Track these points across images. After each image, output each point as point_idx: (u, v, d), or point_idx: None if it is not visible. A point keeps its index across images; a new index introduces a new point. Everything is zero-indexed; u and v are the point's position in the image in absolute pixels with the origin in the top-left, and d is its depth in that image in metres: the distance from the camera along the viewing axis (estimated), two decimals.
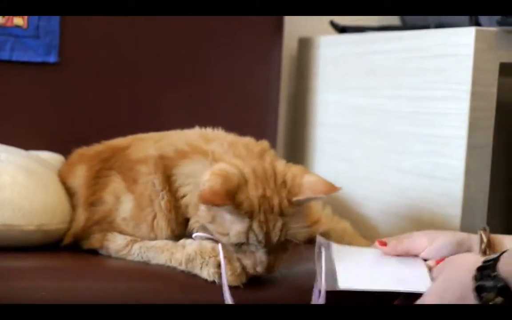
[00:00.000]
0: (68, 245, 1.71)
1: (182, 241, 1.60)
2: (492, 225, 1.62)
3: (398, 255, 1.57)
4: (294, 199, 1.54)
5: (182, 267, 1.56)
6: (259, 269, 1.52)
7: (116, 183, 1.69)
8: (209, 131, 1.73)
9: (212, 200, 1.47)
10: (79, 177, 1.75)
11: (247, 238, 1.50)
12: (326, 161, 2.24)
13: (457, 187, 1.78)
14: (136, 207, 1.66)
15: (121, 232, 1.67)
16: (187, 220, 1.62)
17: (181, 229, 1.64)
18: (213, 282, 1.52)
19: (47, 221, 1.68)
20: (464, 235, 1.55)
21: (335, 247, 1.63)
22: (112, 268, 1.64)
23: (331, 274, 1.50)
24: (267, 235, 1.51)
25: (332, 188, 1.57)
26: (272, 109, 2.23)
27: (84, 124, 1.99)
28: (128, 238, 1.66)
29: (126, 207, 1.67)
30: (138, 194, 1.66)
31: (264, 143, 1.67)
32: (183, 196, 1.61)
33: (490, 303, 1.26)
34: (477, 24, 1.93)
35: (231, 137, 1.68)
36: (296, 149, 2.33)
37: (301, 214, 1.59)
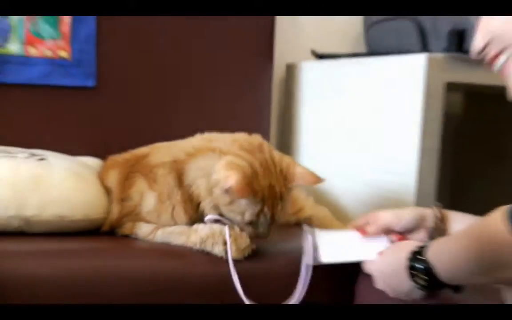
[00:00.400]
0: (106, 231, 1.68)
1: (195, 226, 1.58)
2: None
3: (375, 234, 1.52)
4: (289, 185, 1.56)
5: (197, 247, 1.54)
6: (263, 237, 1.55)
7: (140, 183, 1.66)
8: (208, 134, 1.70)
9: (242, 195, 1.47)
10: (112, 179, 1.72)
11: (258, 218, 1.51)
12: (308, 161, 2.20)
13: (411, 181, 1.77)
14: (158, 202, 1.63)
15: (146, 221, 1.64)
16: (198, 205, 1.59)
17: (194, 214, 1.60)
18: (222, 257, 1.50)
19: (90, 212, 1.65)
20: (421, 210, 1.52)
21: (318, 232, 1.59)
22: (140, 249, 1.61)
23: (315, 252, 1.51)
24: (272, 215, 1.52)
25: (318, 179, 1.60)
26: (265, 120, 2.21)
27: (116, 134, 1.97)
28: (152, 226, 1.63)
29: (149, 202, 1.64)
30: (158, 192, 1.63)
31: (259, 137, 1.65)
32: (194, 186, 1.58)
33: (417, 280, 1.24)
34: (428, 50, 1.95)
35: (229, 135, 1.65)
36: (284, 152, 2.27)
37: (290, 198, 1.60)
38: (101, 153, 1.87)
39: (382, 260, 1.38)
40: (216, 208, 1.55)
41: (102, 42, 2.03)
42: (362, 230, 1.55)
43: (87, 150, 1.91)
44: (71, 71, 2.01)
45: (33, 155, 1.72)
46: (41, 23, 1.97)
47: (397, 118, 1.84)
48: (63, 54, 2.00)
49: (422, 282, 1.25)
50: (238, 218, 1.53)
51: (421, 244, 1.28)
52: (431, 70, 1.74)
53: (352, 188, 1.95)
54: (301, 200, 1.92)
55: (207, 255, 1.52)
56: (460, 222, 1.48)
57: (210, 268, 1.51)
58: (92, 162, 1.87)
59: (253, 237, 1.54)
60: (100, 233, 1.67)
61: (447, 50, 1.81)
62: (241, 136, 1.64)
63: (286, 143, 2.36)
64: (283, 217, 1.59)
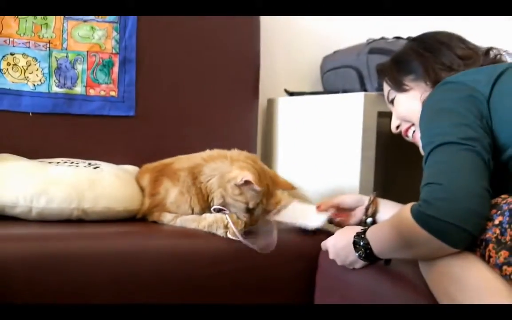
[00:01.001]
0: (140, 218, 1.63)
1: (204, 215, 1.53)
2: None
3: (325, 210, 1.58)
4: (276, 189, 1.57)
5: (206, 230, 1.49)
6: (254, 223, 1.53)
7: (166, 183, 1.60)
8: (219, 150, 1.64)
9: (258, 185, 1.45)
10: (145, 180, 1.66)
11: (257, 206, 1.50)
12: (285, 171, 2.15)
13: (356, 181, 1.72)
14: (179, 194, 1.56)
15: (169, 211, 1.58)
16: (208, 198, 1.55)
17: (205, 204, 1.55)
18: (223, 236, 1.47)
19: (129, 204, 1.60)
20: (363, 196, 1.56)
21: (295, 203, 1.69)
22: (165, 231, 1.55)
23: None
24: (265, 205, 1.52)
25: (292, 187, 1.63)
26: (252, 142, 2.15)
27: (149, 149, 1.90)
28: (174, 215, 1.57)
29: (172, 195, 1.58)
30: (179, 187, 1.57)
31: (254, 154, 1.66)
32: (209, 182, 1.54)
33: (359, 253, 1.23)
34: (365, 89, 1.92)
35: (236, 151, 1.62)
36: (268, 160, 2.29)
37: (274, 196, 1.61)
38: (138, 162, 1.82)
39: (335, 237, 1.35)
40: (222, 198, 1.51)
41: (139, 85, 1.99)
42: (318, 206, 1.59)
43: (128, 160, 1.86)
44: (118, 105, 1.96)
45: (90, 164, 1.68)
46: (98, 72, 1.95)
47: (345, 137, 1.79)
48: (113, 93, 1.96)
49: (362, 254, 1.22)
50: (242, 206, 1.49)
51: (364, 228, 1.25)
52: (367, 103, 1.71)
53: (316, 188, 1.89)
54: (279, 194, 1.84)
55: (213, 236, 1.47)
56: (385, 205, 1.52)
57: (216, 244, 1.46)
58: (131, 168, 1.81)
59: (248, 222, 1.50)
60: (135, 220, 1.62)
61: (378, 89, 1.76)
62: (243, 152, 1.61)
63: (268, 159, 2.28)
64: (270, 207, 1.59)
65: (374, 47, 2.04)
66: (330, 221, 1.57)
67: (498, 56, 1.34)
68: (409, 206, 1.06)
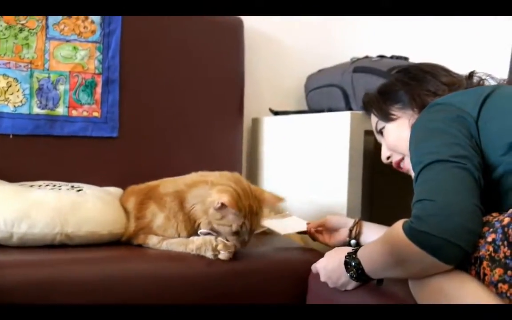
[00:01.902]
0: (124, 241, 1.59)
1: (191, 238, 1.50)
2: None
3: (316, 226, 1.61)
4: (262, 206, 1.54)
5: (194, 252, 1.46)
6: (244, 245, 1.49)
7: (153, 207, 1.57)
8: (202, 172, 1.61)
9: (233, 207, 1.41)
10: (131, 203, 1.62)
11: (241, 229, 1.46)
12: (270, 188, 2.10)
13: (343, 199, 1.70)
14: (166, 219, 1.54)
15: (156, 234, 1.55)
16: (194, 223, 1.52)
17: (192, 229, 1.52)
18: (211, 258, 1.44)
19: (114, 227, 1.56)
20: (348, 218, 1.58)
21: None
22: (151, 255, 1.51)
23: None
24: (251, 227, 1.47)
25: (279, 199, 1.58)
26: (238, 159, 2.14)
27: (133, 171, 1.87)
28: (160, 238, 1.54)
29: (159, 220, 1.54)
30: (166, 213, 1.54)
31: (238, 174, 1.61)
32: (193, 209, 1.51)
33: (351, 273, 1.21)
34: (350, 108, 1.93)
35: (217, 172, 1.58)
36: (254, 180, 2.24)
37: (262, 214, 1.56)
38: (121, 184, 1.78)
39: (326, 259, 1.34)
40: (209, 224, 1.48)
41: (123, 105, 1.96)
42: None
43: (111, 182, 1.81)
44: (101, 126, 1.93)
45: (73, 187, 1.64)
46: (81, 93, 1.91)
47: (332, 156, 1.77)
48: (96, 114, 1.93)
49: (354, 275, 1.20)
50: (227, 229, 1.46)
51: (355, 248, 1.24)
52: (354, 122, 1.70)
53: (302, 207, 1.86)
54: (266, 214, 1.84)
55: (200, 259, 1.44)
56: (368, 227, 1.53)
57: (203, 268, 1.43)
58: (115, 190, 1.76)
59: (237, 245, 1.47)
60: (120, 243, 1.57)
61: (363, 108, 1.73)
62: (226, 173, 1.58)
63: (253, 179, 2.25)
64: (258, 228, 1.55)
65: (358, 66, 2.03)
66: (306, 231, 1.62)
67: (482, 81, 1.34)
68: (400, 223, 1.04)
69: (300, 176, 1.95)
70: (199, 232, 1.50)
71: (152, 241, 1.53)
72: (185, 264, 1.44)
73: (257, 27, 2.32)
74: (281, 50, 2.44)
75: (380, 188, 2.00)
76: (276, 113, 2.22)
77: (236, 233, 1.46)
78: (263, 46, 2.38)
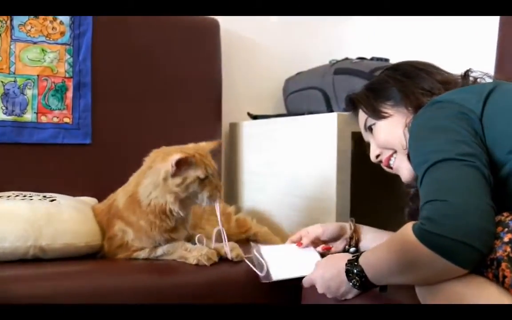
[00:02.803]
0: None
1: (188, 246, 1.43)
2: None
3: (307, 246, 1.43)
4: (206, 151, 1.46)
5: (190, 261, 1.39)
6: (221, 190, 1.42)
7: (118, 224, 1.46)
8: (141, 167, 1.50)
9: (186, 160, 1.34)
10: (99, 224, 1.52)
11: (208, 173, 1.39)
12: (251, 194, 2.08)
13: (332, 204, 1.64)
14: (135, 232, 1.43)
15: (132, 246, 1.44)
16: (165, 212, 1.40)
17: (168, 225, 1.42)
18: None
19: (92, 239, 1.46)
20: (342, 224, 1.46)
21: (263, 247, 1.45)
22: (131, 266, 1.41)
23: (265, 269, 1.35)
24: (214, 168, 1.43)
25: (218, 144, 1.54)
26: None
27: (108, 179, 1.66)
28: (148, 252, 1.44)
29: (129, 235, 1.44)
30: (133, 227, 1.43)
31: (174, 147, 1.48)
32: (152, 201, 1.40)
33: (353, 281, 1.14)
34: (331, 110, 1.90)
35: (153, 153, 1.49)
36: (233, 187, 2.17)
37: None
38: (96, 194, 1.69)
39: (322, 268, 1.25)
40: (177, 199, 1.37)
41: (96, 110, 1.87)
42: (298, 242, 1.44)
43: (85, 192, 1.72)
44: (73, 133, 1.83)
45: (45, 197, 1.53)
46: (50, 98, 1.80)
47: (318, 159, 1.70)
48: (67, 120, 1.83)
49: (357, 283, 1.13)
50: (196, 187, 1.37)
51: (355, 254, 1.16)
52: (341, 124, 1.63)
53: (286, 213, 1.80)
54: (248, 221, 1.78)
55: (186, 270, 1.37)
56: (367, 232, 1.44)
57: (188, 279, 1.35)
58: (89, 200, 1.68)
59: (216, 191, 1.38)
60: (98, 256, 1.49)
61: (345, 110, 1.68)
62: (161, 148, 1.48)
63: (233, 185, 2.19)
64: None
65: (339, 68, 2.00)
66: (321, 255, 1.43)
67: (479, 79, 1.29)
68: (409, 226, 0.98)
69: (284, 181, 1.88)
70: (196, 239, 1.44)
71: (142, 255, 1.44)
72: (169, 276, 1.36)
73: (233, 30, 2.27)
74: (258, 53, 2.38)
75: (367, 191, 1.94)
76: (255, 117, 2.16)
77: (206, 183, 1.37)
78: (239, 49, 2.32)
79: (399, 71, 1.33)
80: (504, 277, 0.92)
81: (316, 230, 1.45)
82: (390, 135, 1.30)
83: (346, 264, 1.15)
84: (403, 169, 1.28)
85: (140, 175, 1.45)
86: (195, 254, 1.37)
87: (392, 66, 1.39)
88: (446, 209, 0.94)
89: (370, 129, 1.36)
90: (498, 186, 1.04)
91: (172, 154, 1.35)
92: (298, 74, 2.25)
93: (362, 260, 1.12)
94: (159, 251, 1.43)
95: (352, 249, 1.42)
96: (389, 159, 1.33)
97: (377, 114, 1.32)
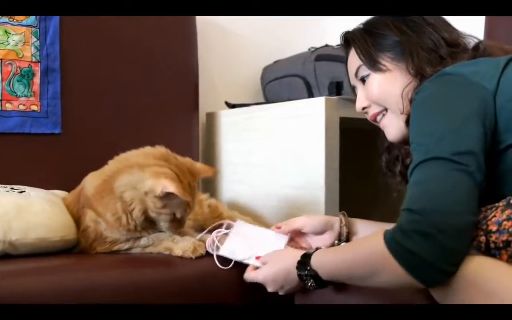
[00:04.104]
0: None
1: (161, 237, 1.35)
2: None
3: (288, 232, 1.37)
4: (197, 179, 1.40)
5: (175, 253, 1.30)
6: (181, 228, 1.36)
7: (89, 214, 1.36)
8: (122, 155, 1.41)
9: (183, 195, 1.24)
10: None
11: (185, 213, 1.33)
12: (230, 185, 1.99)
13: (320, 192, 1.56)
14: (106, 223, 1.33)
15: (107, 237, 1.34)
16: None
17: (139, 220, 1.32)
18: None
19: (67, 233, 1.35)
20: (330, 217, 1.36)
21: (240, 224, 1.41)
22: (111, 261, 1.31)
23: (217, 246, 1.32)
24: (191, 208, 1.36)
25: (213, 171, 1.48)
26: (194, 154, 1.96)
27: (79, 170, 1.53)
28: (130, 243, 1.35)
29: (102, 225, 1.34)
30: (102, 217, 1.33)
31: (162, 147, 1.40)
32: (123, 196, 1.31)
33: (308, 283, 1.11)
34: (311, 94, 1.86)
35: (137, 151, 1.40)
36: (211, 180, 2.06)
37: (198, 190, 1.46)
38: (67, 186, 1.56)
39: (270, 269, 1.20)
40: (144, 213, 1.30)
41: (66, 98, 1.74)
42: (277, 227, 1.38)
43: (55, 184, 1.60)
44: (41, 121, 1.70)
45: (13, 189, 1.41)
46: (16, 83, 1.67)
47: (305, 146, 1.63)
48: (34, 108, 1.70)
49: (312, 284, 1.11)
50: (167, 217, 1.30)
51: (302, 252, 1.14)
52: (329, 109, 1.56)
53: (271, 204, 1.72)
54: (220, 207, 1.69)
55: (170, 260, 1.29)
56: (362, 226, 1.35)
57: (169, 274, 1.26)
58: (60, 194, 1.55)
59: (172, 231, 1.33)
60: (74, 251, 1.38)
61: (330, 93, 1.70)
62: (149, 149, 1.39)
63: (211, 177, 2.06)
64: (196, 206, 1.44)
65: (321, 54, 1.94)
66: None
67: (489, 53, 1.21)
68: (380, 233, 0.94)
69: (268, 171, 1.80)
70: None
71: (125, 247, 1.35)
72: (150, 269, 1.26)
73: (209, 18, 2.17)
74: (234, 41, 2.30)
75: (355, 178, 1.88)
76: (233, 106, 2.07)
77: (178, 220, 1.31)
78: (215, 38, 2.24)
79: (404, 20, 1.20)
80: None
81: (299, 221, 1.36)
82: (385, 92, 1.19)
83: (297, 268, 1.12)
84: (391, 128, 1.20)
85: (120, 169, 1.34)
86: (181, 245, 1.28)
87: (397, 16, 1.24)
88: (421, 224, 0.90)
89: (362, 80, 1.24)
90: (499, 161, 0.99)
91: (168, 175, 1.26)
92: (276, 62, 2.17)
93: (316, 261, 1.10)
94: (143, 241, 1.34)
95: (343, 244, 1.31)
96: (377, 114, 1.23)
97: (374, 65, 1.19)
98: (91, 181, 1.40)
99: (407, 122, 1.13)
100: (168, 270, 1.26)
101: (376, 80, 1.20)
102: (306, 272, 1.09)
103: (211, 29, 2.20)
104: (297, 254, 1.14)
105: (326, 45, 2.00)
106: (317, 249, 1.16)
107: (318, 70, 1.90)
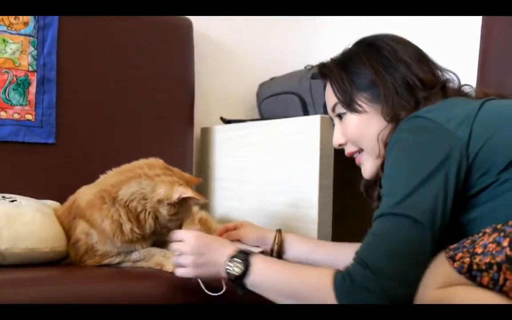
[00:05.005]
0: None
1: (152, 252, 1.33)
2: (334, 231, 1.54)
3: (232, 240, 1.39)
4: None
5: (167, 269, 1.29)
6: None
7: (81, 225, 1.34)
8: (120, 167, 1.41)
9: (200, 198, 1.31)
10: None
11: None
12: (222, 201, 1.98)
13: (314, 211, 1.55)
14: (99, 234, 1.31)
15: (98, 250, 1.32)
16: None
17: (140, 233, 1.32)
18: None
19: (57, 244, 1.33)
20: (267, 232, 1.41)
21: None
22: (100, 273, 1.29)
23: None
24: None
25: (196, 180, 1.49)
26: (188, 170, 1.85)
27: (72, 181, 1.52)
28: (121, 257, 1.33)
29: (94, 237, 1.32)
30: (95, 228, 1.32)
31: (160, 159, 1.41)
32: (129, 205, 1.31)
33: (235, 272, 1.09)
34: (308, 115, 1.85)
35: (138, 162, 1.40)
36: (203, 194, 2.03)
37: None
38: (59, 196, 1.55)
39: (203, 238, 1.19)
40: (155, 220, 1.31)
41: (61, 108, 1.74)
42: (219, 233, 1.42)
43: (47, 194, 1.58)
44: (35, 131, 1.70)
45: (4, 197, 1.39)
46: (11, 92, 1.67)
47: (299, 164, 1.62)
48: (29, 117, 1.69)
49: (235, 276, 1.09)
50: (177, 224, 1.33)
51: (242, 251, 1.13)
52: (323, 126, 1.56)
53: (263, 221, 1.69)
54: (209, 220, 1.68)
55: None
56: (292, 242, 1.39)
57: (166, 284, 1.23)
58: (52, 204, 1.54)
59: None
60: (64, 263, 1.36)
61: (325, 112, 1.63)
62: (151, 160, 1.40)
63: (203, 191, 2.07)
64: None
65: (317, 72, 1.93)
66: None
67: (462, 88, 1.21)
68: (330, 274, 0.98)
69: (261, 188, 1.80)
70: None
71: (116, 261, 1.33)
72: (142, 282, 1.24)
73: (206, 33, 2.19)
74: (231, 57, 2.31)
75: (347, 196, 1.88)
76: (228, 121, 2.06)
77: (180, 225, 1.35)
78: (212, 53, 2.24)
79: (377, 54, 1.19)
80: (506, 279, 0.88)
81: (242, 232, 1.42)
82: (361, 134, 1.19)
83: (234, 254, 1.11)
84: (367, 166, 1.22)
85: (122, 178, 1.34)
86: (172, 260, 1.26)
87: (369, 42, 1.23)
88: (371, 282, 0.93)
89: (339, 116, 1.25)
90: (486, 203, 1.01)
91: (178, 183, 1.31)
92: (272, 79, 2.17)
93: (255, 263, 1.08)
94: (134, 256, 1.32)
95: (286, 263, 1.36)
96: (353, 153, 1.25)
97: (350, 105, 1.19)
98: (85, 193, 1.38)
99: (382, 166, 1.15)
100: (156, 283, 1.24)
101: (352, 121, 1.20)
102: (240, 263, 1.08)
103: (208, 44, 2.21)
104: (241, 246, 1.16)
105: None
106: (262, 252, 1.23)
107: (314, 88, 1.90)
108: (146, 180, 1.31)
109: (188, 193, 1.29)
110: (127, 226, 1.30)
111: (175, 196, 1.28)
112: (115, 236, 1.30)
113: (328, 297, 0.96)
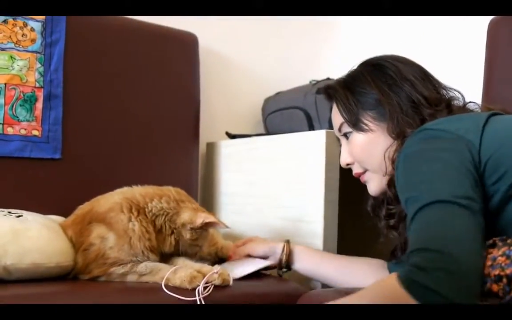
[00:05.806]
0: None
1: (160, 267, 1.32)
2: (339, 246, 1.54)
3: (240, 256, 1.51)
4: None
5: (174, 283, 1.26)
6: None
7: (98, 229, 1.34)
8: (147, 186, 1.47)
9: (222, 226, 1.40)
10: (70, 237, 1.39)
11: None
12: (228, 216, 1.96)
13: (319, 226, 1.55)
14: (117, 238, 1.32)
15: (109, 258, 1.31)
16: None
17: (157, 247, 1.36)
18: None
19: (63, 259, 1.32)
20: (275, 244, 1.46)
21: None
22: (107, 288, 1.28)
23: None
24: None
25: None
26: (193, 189, 1.96)
27: (78, 197, 1.53)
28: (128, 267, 1.31)
29: (110, 240, 1.32)
30: (115, 230, 1.32)
31: (183, 191, 1.48)
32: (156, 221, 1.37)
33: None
34: (313, 129, 1.86)
35: (166, 186, 1.46)
36: (209, 209, 1.99)
37: None
38: (65, 211, 1.54)
39: None
40: (176, 242, 1.37)
41: (67, 124, 1.74)
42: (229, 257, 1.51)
43: (53, 210, 1.58)
44: (42, 146, 1.70)
45: (11, 213, 1.39)
46: (18, 108, 1.68)
47: (305, 179, 1.62)
48: (35, 132, 1.70)
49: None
50: (197, 249, 1.40)
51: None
52: (329, 141, 1.56)
53: (269, 236, 1.68)
54: (215, 236, 1.62)
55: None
56: (300, 253, 1.43)
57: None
58: (57, 219, 1.53)
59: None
60: (70, 278, 1.35)
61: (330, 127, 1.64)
62: (178, 189, 1.46)
63: (208, 206, 2.04)
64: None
65: (322, 87, 1.94)
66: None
67: (467, 105, 1.22)
68: (392, 277, 0.90)
69: (266, 202, 1.79)
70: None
71: (119, 273, 1.31)
72: (155, 296, 1.23)
73: (212, 48, 2.19)
74: (236, 72, 2.31)
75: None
76: (234, 136, 2.07)
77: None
78: (217, 68, 2.25)
79: (381, 74, 1.22)
80: None
81: (248, 248, 1.49)
82: (368, 154, 1.22)
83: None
84: (373, 184, 1.24)
85: (150, 192, 1.41)
86: (179, 275, 1.25)
87: (373, 62, 1.26)
88: (439, 262, 0.86)
89: (345, 135, 1.27)
90: (497, 215, 0.99)
91: (201, 210, 1.40)
92: (277, 93, 2.18)
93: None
94: (141, 268, 1.30)
95: (283, 270, 1.44)
96: (360, 174, 1.27)
97: (356, 124, 1.22)
98: (105, 200, 1.41)
99: (389, 183, 1.17)
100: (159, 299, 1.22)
101: (359, 140, 1.22)
102: None
103: (214, 59, 2.22)
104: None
105: (328, 78, 2.01)
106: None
107: (319, 103, 1.90)
108: (173, 203, 1.38)
109: (211, 218, 1.35)
110: (151, 235, 1.33)
111: (198, 221, 1.35)
112: (141, 240, 1.31)
113: (397, 296, 0.87)
